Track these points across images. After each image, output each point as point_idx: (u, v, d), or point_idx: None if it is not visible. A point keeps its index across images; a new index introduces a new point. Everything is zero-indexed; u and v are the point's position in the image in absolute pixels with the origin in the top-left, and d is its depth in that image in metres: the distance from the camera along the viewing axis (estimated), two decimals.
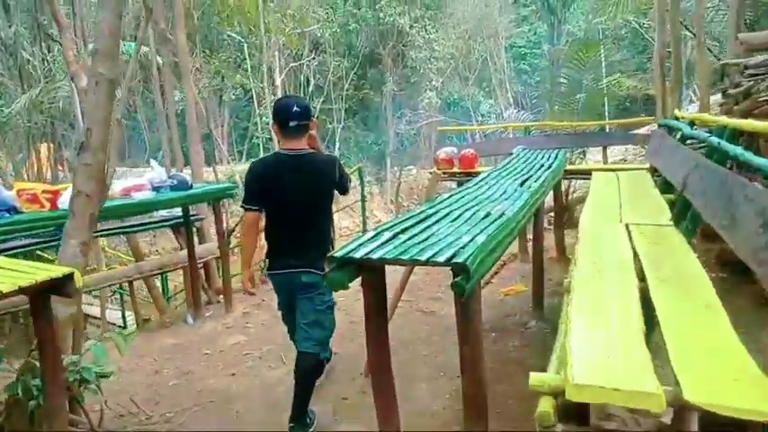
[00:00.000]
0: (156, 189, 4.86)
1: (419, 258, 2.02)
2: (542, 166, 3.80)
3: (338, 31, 24.26)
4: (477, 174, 6.37)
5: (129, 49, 16.25)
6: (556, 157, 4.19)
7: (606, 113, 15.00)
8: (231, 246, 7.69)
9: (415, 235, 2.26)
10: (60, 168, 13.91)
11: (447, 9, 25.35)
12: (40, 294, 2.25)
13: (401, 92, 24.68)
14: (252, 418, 3.23)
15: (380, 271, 2.26)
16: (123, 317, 6.06)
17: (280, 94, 23.00)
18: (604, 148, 6.43)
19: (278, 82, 23.12)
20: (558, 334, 1.92)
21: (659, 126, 5.04)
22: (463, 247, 2.03)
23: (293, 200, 2.75)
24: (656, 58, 6.06)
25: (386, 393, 2.34)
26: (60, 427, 2.39)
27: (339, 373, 3.63)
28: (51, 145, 14.39)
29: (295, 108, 2.76)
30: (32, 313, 2.31)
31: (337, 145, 24.33)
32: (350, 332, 4.11)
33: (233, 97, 23.48)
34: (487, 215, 2.47)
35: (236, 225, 8.21)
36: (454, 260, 1.93)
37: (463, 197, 2.85)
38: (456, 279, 1.90)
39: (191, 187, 5.13)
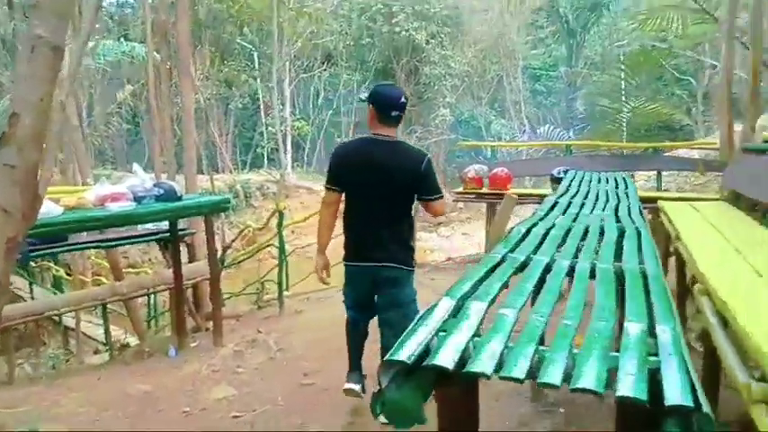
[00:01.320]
0: (137, 199, 4.08)
1: (582, 385, 1.01)
2: (614, 190, 3.04)
3: (351, 44, 23.78)
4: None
5: (131, 50, 15.70)
6: (624, 181, 3.42)
7: (624, 139, 14.37)
8: (226, 264, 6.90)
9: (528, 318, 1.35)
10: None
11: (464, 26, 24.85)
12: None
13: (413, 107, 24.07)
14: None
15: (472, 390, 1.28)
16: (107, 332, 5.25)
17: (288, 106, 22.46)
18: (659, 173, 5.64)
19: (287, 93, 22.60)
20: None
21: (745, 150, 4.29)
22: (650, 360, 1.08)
23: (380, 185, 2.63)
24: (724, 80, 5.30)
25: None
26: None
27: None
28: (44, 146, 13.71)
29: (402, 99, 2.72)
30: None
31: None
32: None
33: (240, 106, 22.88)
34: (619, 273, 1.58)
35: (233, 240, 7.44)
36: (670, 401, 0.95)
37: (549, 235, 1.99)
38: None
39: (180, 198, 4.35)
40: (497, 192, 5.55)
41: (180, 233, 5.22)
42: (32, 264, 7.34)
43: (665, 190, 5.84)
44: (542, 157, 8.02)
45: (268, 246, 5.99)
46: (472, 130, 24.27)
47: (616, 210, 2.40)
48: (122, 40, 16.74)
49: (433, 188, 2.74)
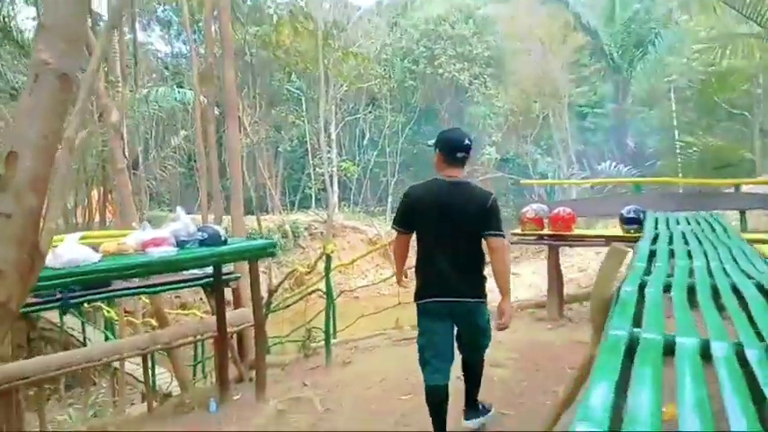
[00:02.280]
0: (180, 244, 3.91)
1: None
2: (711, 234, 2.63)
3: (395, 86, 24.06)
4: (573, 237, 5.19)
5: (183, 97, 16.27)
6: (718, 223, 2.99)
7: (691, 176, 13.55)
8: (272, 309, 6.68)
9: None
10: (110, 214, 13.54)
11: (507, 67, 24.76)
12: None
13: None
14: None
15: None
16: (146, 384, 5.03)
17: (335, 147, 22.73)
18: (742, 214, 5.07)
19: (333, 135, 22.92)
20: None
21: None
22: None
23: (452, 225, 2.77)
24: None
25: None
26: None
27: None
28: (102, 189, 14.13)
29: (466, 141, 2.86)
30: None
31: (390, 198, 23.60)
32: None
33: (288, 149, 23.30)
34: None
35: (279, 284, 7.24)
36: None
37: (674, 300, 1.57)
38: None
39: (224, 242, 4.16)
40: (560, 233, 5.15)
41: (225, 278, 5.04)
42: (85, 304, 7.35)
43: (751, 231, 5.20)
44: (608, 194, 7.47)
45: (315, 291, 5.75)
46: (518, 168, 23.84)
47: (734, 260, 2.00)
48: (175, 87, 17.41)
49: (495, 225, 2.82)
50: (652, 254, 2.14)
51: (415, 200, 2.86)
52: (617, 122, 25.54)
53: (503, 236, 2.84)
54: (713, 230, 2.82)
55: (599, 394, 0.95)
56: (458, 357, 2.95)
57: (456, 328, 2.88)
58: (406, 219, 2.88)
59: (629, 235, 5.02)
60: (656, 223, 3.05)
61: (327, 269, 5.10)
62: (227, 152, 6.26)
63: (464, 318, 2.84)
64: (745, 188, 6.47)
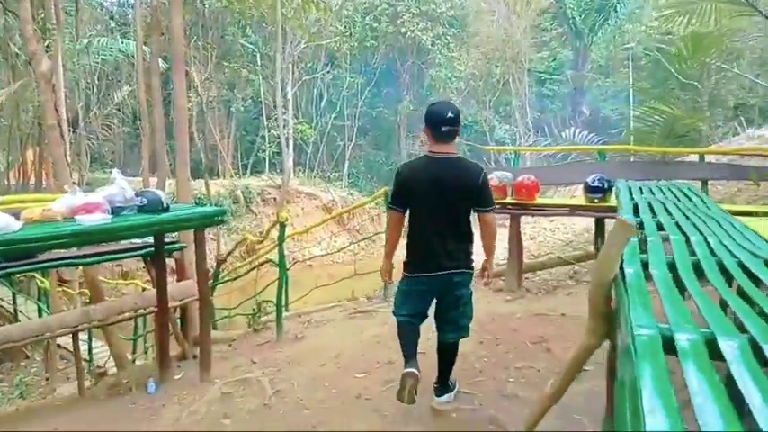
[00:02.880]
0: (116, 211, 3.51)
1: None
2: (692, 206, 2.46)
3: (355, 45, 23.27)
4: (536, 207, 5.03)
5: (127, 48, 15.17)
6: (694, 194, 2.84)
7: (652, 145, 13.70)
8: (219, 281, 6.31)
9: None
10: (47, 176, 12.61)
11: (470, 28, 24.33)
12: None
13: (416, 111, 23.53)
14: None
15: None
16: (77, 362, 4.61)
17: (291, 108, 21.96)
18: (704, 183, 5.01)
19: (290, 95, 22.10)
20: None
21: None
22: None
23: (443, 202, 2.83)
24: None
25: None
26: None
27: None
28: (38, 148, 13.19)
29: (449, 114, 2.82)
30: None
31: (347, 164, 23.15)
32: None
33: (241, 109, 22.30)
34: None
35: (229, 253, 6.87)
36: None
37: (685, 283, 1.33)
38: None
39: (167, 209, 3.77)
40: (523, 202, 4.97)
41: (167, 247, 4.65)
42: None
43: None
44: (572, 162, 7.33)
45: (267, 261, 5.40)
46: (475, 135, 23.70)
47: (728, 235, 1.81)
48: (120, 38, 16.18)
49: (488, 200, 2.90)
50: (639, 226, 1.95)
51: (407, 178, 2.89)
52: (575, 90, 25.71)
53: (493, 209, 2.93)
54: (691, 201, 2.66)
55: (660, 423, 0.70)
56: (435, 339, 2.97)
57: (438, 305, 2.93)
58: (401, 197, 2.91)
59: (593, 204, 4.89)
60: (631, 192, 2.87)
61: (281, 238, 4.77)
62: (174, 110, 5.73)
63: (451, 290, 2.88)
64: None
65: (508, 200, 4.99)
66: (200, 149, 22.34)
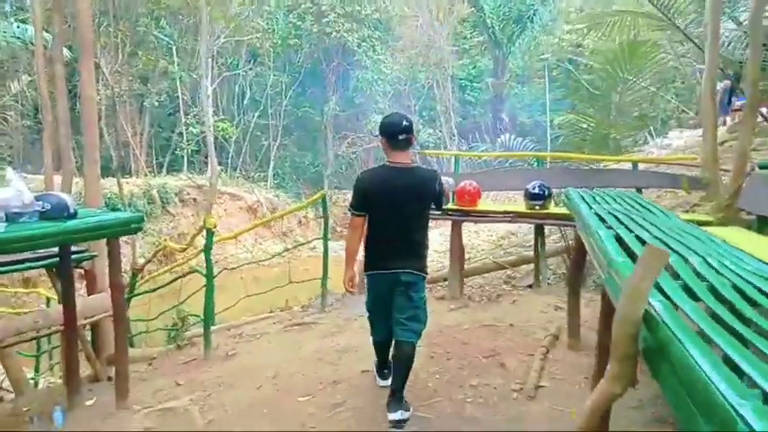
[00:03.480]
0: (11, 218, 3.00)
1: None
2: (647, 215, 2.39)
3: (278, 42, 22.60)
4: (478, 213, 4.93)
5: (24, 33, 13.72)
6: (642, 201, 2.81)
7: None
8: (137, 290, 5.72)
9: None
10: None
11: (395, 32, 24.40)
12: None
13: (343, 112, 23.24)
14: None
15: None
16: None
17: (211, 104, 20.94)
18: (639, 191, 5.13)
19: (209, 91, 21.10)
20: None
21: (764, 168, 3.86)
22: None
23: (399, 209, 2.98)
24: (707, 90, 4.82)
25: None
26: None
27: None
28: None
29: (404, 122, 2.98)
30: None
31: (272, 164, 22.41)
32: None
33: (156, 104, 20.95)
34: None
35: (147, 262, 6.27)
36: None
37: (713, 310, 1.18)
38: None
39: (74, 215, 3.27)
40: (465, 209, 4.85)
41: (75, 257, 4.09)
42: None
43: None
44: (511, 168, 7.35)
45: (192, 272, 4.89)
46: None
47: (720, 254, 1.71)
48: (16, 23, 14.61)
49: (441, 203, 3.18)
50: (619, 241, 1.81)
51: (367, 185, 3.01)
52: (495, 97, 26.52)
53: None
54: (650, 212, 2.60)
55: None
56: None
57: (391, 306, 3.00)
58: (362, 203, 3.01)
59: (533, 211, 4.87)
60: (584, 200, 2.79)
61: (208, 246, 4.34)
62: (81, 102, 5.08)
63: (406, 288, 2.97)
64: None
65: (450, 206, 4.86)
66: (110, 146, 20.79)
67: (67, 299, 3.76)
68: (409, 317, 2.96)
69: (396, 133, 2.92)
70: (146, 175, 19.49)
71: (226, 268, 6.48)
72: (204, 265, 4.49)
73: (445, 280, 6.48)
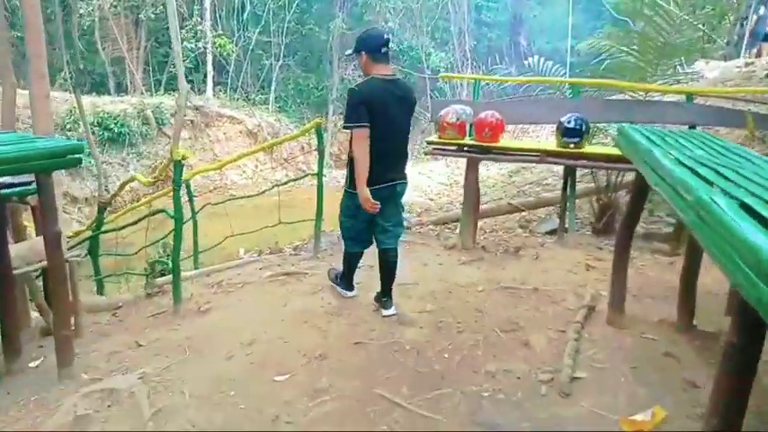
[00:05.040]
0: None
1: None
2: (728, 157, 1.68)
3: None
4: (499, 150, 4.15)
5: None
6: (719, 143, 2.09)
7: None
8: (104, 230, 5.08)
9: None
10: None
11: None
12: None
13: (350, 31, 21.71)
14: None
15: None
16: None
17: (209, 18, 19.53)
18: (691, 128, 4.31)
19: (207, 3, 19.64)
20: None
21: None
22: None
23: (395, 120, 3.07)
24: None
25: None
26: None
27: None
28: None
29: (386, 36, 3.10)
30: None
31: (273, 86, 21.22)
32: None
33: (152, 17, 19.53)
34: None
35: (113, 196, 5.59)
36: None
37: None
38: None
39: None
40: (484, 145, 4.07)
41: (18, 190, 3.41)
42: None
43: None
44: (541, 97, 6.41)
45: (158, 212, 4.20)
46: (410, 62, 22.37)
47: None
48: None
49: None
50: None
51: (367, 97, 2.98)
52: (513, 19, 24.76)
53: None
54: (749, 161, 1.84)
55: None
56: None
57: (379, 216, 3.11)
58: (364, 114, 2.96)
59: (566, 150, 4.09)
60: (653, 141, 2.04)
61: (176, 182, 3.62)
62: (22, 3, 4.19)
63: (398, 196, 3.21)
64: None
65: (467, 140, 4.08)
66: (105, 61, 19.62)
67: (1, 242, 3.11)
68: (396, 222, 3.23)
69: (380, 45, 3.02)
70: (142, 93, 18.50)
71: (209, 203, 5.79)
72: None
73: (454, 222, 5.81)
